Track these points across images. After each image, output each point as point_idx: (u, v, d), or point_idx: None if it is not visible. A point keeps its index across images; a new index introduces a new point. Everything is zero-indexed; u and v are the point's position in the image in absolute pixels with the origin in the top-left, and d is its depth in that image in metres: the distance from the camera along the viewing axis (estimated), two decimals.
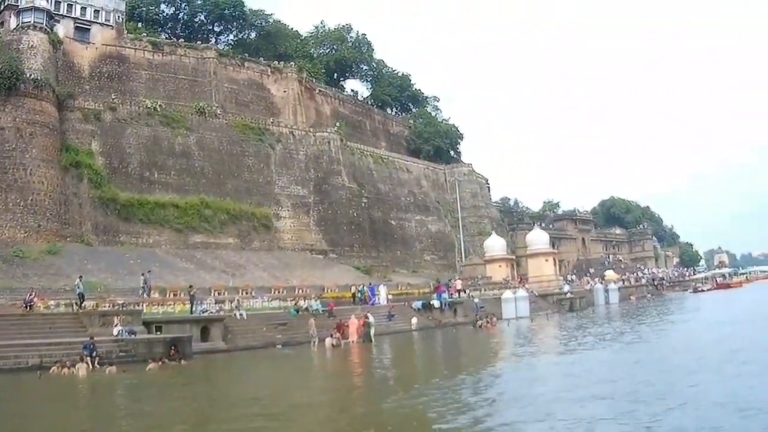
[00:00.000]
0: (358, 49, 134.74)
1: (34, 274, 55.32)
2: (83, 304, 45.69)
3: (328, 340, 44.65)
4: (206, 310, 50.10)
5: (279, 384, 31.73)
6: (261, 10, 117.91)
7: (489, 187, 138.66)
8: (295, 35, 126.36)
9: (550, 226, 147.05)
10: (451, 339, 52.69)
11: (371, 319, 49.55)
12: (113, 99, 79.54)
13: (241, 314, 50.81)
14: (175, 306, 50.66)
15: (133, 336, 39.32)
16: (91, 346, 34.32)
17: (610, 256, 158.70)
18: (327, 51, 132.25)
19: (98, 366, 33.34)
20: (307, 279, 73.97)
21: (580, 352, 35.22)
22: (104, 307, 47.05)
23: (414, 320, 60.04)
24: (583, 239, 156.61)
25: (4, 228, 63.30)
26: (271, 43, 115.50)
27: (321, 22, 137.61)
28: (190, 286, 53.94)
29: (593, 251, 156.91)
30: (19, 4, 78.70)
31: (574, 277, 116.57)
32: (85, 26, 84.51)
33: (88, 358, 33.35)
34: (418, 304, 65.61)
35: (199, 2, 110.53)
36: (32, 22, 76.96)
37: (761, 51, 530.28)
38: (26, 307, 45.14)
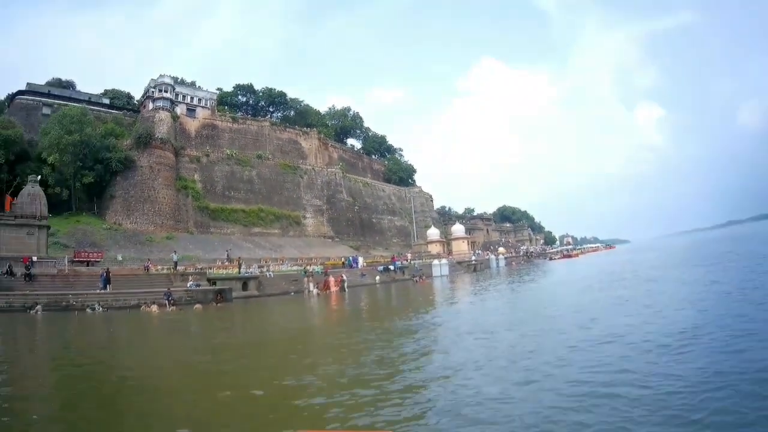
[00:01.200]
0: (354, 121, 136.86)
1: (157, 251, 55.57)
2: (177, 269, 46.30)
3: (314, 290, 44.47)
4: (248, 272, 49.90)
5: (284, 314, 32.23)
6: (297, 98, 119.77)
7: (432, 199, 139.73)
8: (317, 113, 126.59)
9: (468, 222, 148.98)
10: (396, 288, 51.25)
11: (345, 277, 49.53)
12: (207, 149, 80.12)
13: (269, 274, 51.29)
14: (231, 270, 50.11)
15: (198, 287, 39.58)
16: (169, 294, 34.64)
17: (503, 239, 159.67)
18: (336, 122, 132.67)
19: (174, 307, 33.52)
20: (320, 253, 73.65)
21: (480, 294, 34.88)
22: (188, 270, 47.49)
23: (377, 278, 60.22)
24: (486, 230, 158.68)
25: (142, 224, 63.78)
26: (303, 117, 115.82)
27: (333, 105, 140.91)
28: (239, 258, 55.03)
29: (493, 237, 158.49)
30: (153, 95, 79.36)
31: (480, 251, 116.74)
32: (192, 108, 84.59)
33: (166, 301, 33.71)
34: (380, 268, 65.88)
35: (260, 94, 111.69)
36: (161, 106, 77.77)
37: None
38: (145, 270, 45.53)
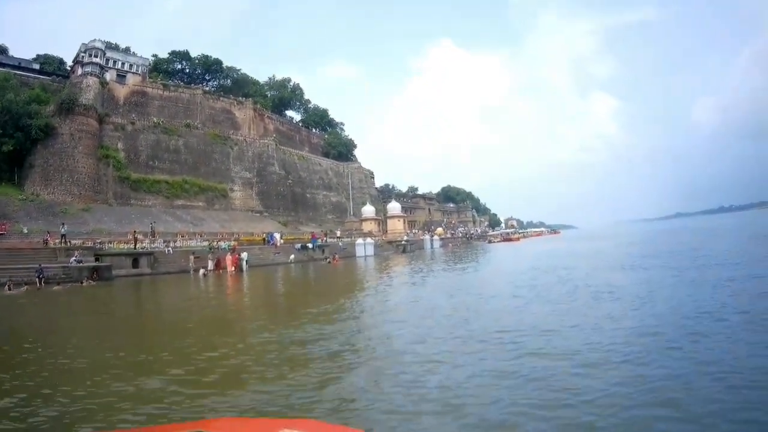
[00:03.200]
0: (294, 93, 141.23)
1: (70, 223, 56.39)
2: (65, 242, 46.33)
3: (202, 271, 44.21)
4: (144, 247, 50.15)
5: (151, 294, 33.10)
6: (233, 67, 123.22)
7: (373, 176, 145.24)
8: (256, 83, 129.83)
9: (409, 201, 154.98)
10: (307, 270, 50.11)
11: (244, 255, 49.73)
12: (133, 117, 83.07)
13: (168, 250, 51.82)
14: (128, 245, 49.92)
15: (79, 263, 39.76)
16: (40, 270, 35.07)
17: (445, 220, 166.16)
18: (275, 93, 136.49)
19: (44, 285, 34.06)
20: (244, 228, 76.75)
21: (387, 283, 32.35)
22: (86, 244, 48.58)
23: (291, 256, 60.69)
24: (429, 209, 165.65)
25: (59, 195, 66.59)
26: (240, 87, 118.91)
27: (273, 75, 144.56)
28: (135, 231, 54.67)
29: (435, 217, 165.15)
30: (83, 60, 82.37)
31: (417, 231, 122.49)
32: (122, 74, 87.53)
33: (37, 279, 34.29)
34: (297, 245, 67.28)
35: (196, 62, 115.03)
36: (90, 71, 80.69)
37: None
38: (44, 243, 46.29)
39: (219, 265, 48.08)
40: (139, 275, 44.16)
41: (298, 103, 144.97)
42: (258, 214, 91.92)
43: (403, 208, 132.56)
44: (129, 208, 72.94)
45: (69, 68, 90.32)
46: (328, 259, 61.59)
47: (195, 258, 48.83)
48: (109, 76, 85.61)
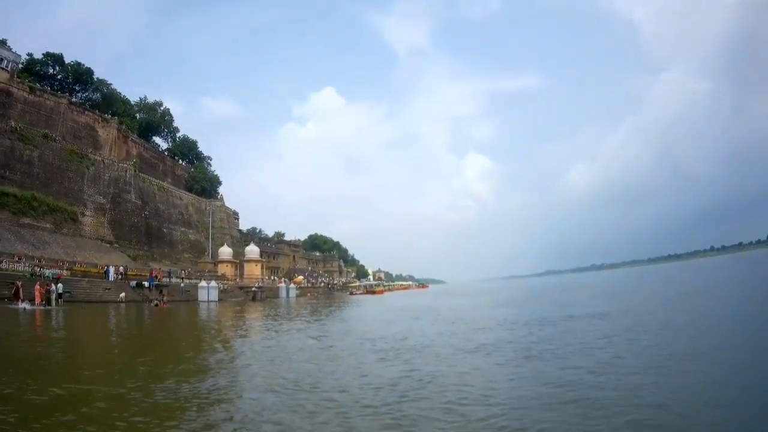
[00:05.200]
0: (163, 118, 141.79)
1: None
2: None
3: None
4: None
5: None
6: (104, 80, 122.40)
7: (238, 216, 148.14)
8: (125, 101, 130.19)
9: (273, 246, 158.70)
10: (131, 311, 49.65)
11: (58, 286, 47.29)
12: None
13: None
14: None
15: None
16: None
17: (310, 268, 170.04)
18: (144, 116, 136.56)
19: None
20: (88, 258, 75.82)
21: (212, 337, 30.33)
22: None
23: (122, 294, 59.07)
24: (293, 256, 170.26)
25: None
26: (109, 103, 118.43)
27: (144, 96, 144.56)
28: None
29: (300, 264, 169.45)
30: None
31: (277, 278, 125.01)
32: None
33: None
34: (133, 283, 66.60)
35: (69, 68, 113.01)
36: None
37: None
38: None
39: (17, 294, 43.61)
40: None
41: (166, 130, 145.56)
42: (108, 245, 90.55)
43: (265, 253, 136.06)
44: None
45: None
46: (155, 302, 58.02)
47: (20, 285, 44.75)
48: None
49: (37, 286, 45.40)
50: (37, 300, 43.54)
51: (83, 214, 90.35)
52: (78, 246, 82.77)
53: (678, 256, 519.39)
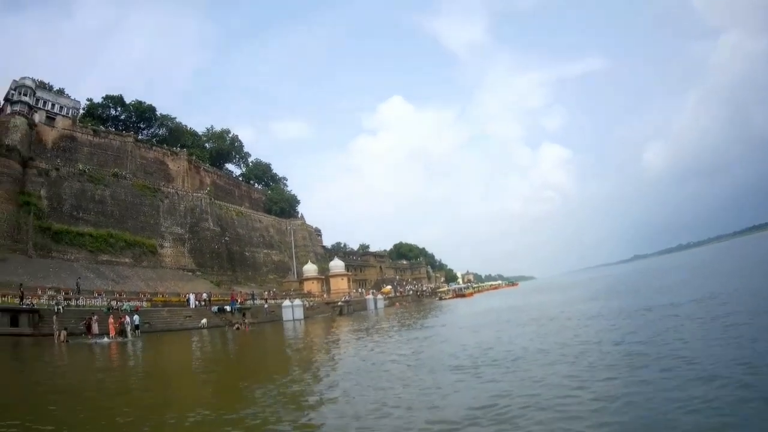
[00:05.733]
0: (232, 145, 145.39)
1: None
2: None
3: (63, 333, 40.53)
4: (27, 304, 47.35)
5: None
6: (168, 115, 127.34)
7: (320, 233, 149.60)
8: (193, 133, 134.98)
9: (359, 259, 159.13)
10: (213, 338, 47.72)
11: (128, 319, 47.04)
12: (58, 162, 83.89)
13: (58, 308, 48.80)
14: (9, 299, 47.53)
15: None
16: None
17: (397, 277, 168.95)
18: (214, 145, 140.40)
19: None
20: (171, 288, 76.99)
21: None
22: None
23: (203, 320, 58.88)
24: (380, 267, 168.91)
25: None
26: (176, 137, 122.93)
27: (211, 126, 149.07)
28: (21, 285, 51.99)
29: (387, 274, 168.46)
30: (12, 98, 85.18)
31: (364, 290, 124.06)
32: (52, 116, 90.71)
33: None
34: (214, 308, 66.24)
35: (130, 108, 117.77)
36: (18, 110, 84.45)
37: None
38: None
39: (90, 329, 45.09)
40: (17, 335, 42.66)
41: (237, 157, 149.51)
42: (190, 273, 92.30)
43: (351, 266, 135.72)
44: (50, 260, 72.42)
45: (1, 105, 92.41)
46: (237, 325, 57.32)
47: (59, 319, 45.27)
48: (38, 117, 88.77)
49: (111, 320, 45.56)
50: (111, 333, 43.87)
51: (162, 246, 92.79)
52: (159, 277, 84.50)
53: (763, 226, 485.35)
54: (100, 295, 60.20)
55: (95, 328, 45.24)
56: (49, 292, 54.69)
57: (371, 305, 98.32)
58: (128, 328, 45.57)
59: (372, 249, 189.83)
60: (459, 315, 59.22)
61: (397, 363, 22.46)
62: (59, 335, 40.71)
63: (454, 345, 27.05)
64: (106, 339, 42.46)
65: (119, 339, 43.26)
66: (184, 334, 51.67)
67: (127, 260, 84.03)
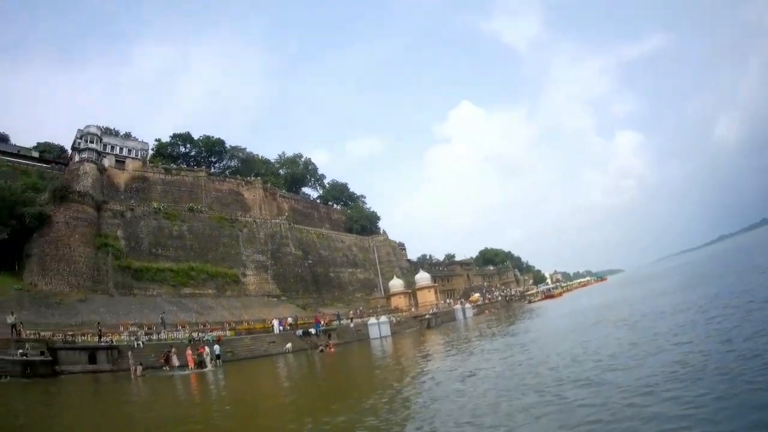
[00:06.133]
0: (306, 168, 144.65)
1: (58, 314, 58.54)
2: (16, 333, 44.62)
3: (139, 368, 40.09)
4: (106, 340, 47.85)
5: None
6: (237, 146, 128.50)
7: (404, 247, 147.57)
8: (265, 161, 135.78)
9: (445, 269, 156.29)
10: (298, 363, 46.23)
11: (207, 350, 45.71)
12: (132, 203, 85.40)
13: (139, 343, 49.17)
14: (89, 338, 48.33)
15: (16, 357, 38.59)
16: None
17: (485, 284, 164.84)
18: (288, 170, 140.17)
19: None
20: (256, 315, 76.12)
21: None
22: (25, 335, 45.51)
23: (288, 345, 57.20)
24: (467, 275, 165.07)
25: (57, 285, 67.25)
26: (249, 167, 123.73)
27: (282, 152, 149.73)
28: (98, 323, 52.74)
29: (475, 282, 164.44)
30: (80, 146, 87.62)
31: (450, 300, 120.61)
32: (121, 159, 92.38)
33: None
34: (299, 332, 64.43)
35: (199, 143, 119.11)
36: (86, 157, 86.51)
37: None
38: (17, 334, 45.10)
39: (168, 361, 44.77)
40: (96, 371, 42.66)
41: (312, 180, 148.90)
42: (275, 299, 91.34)
43: (438, 277, 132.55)
44: (132, 298, 73.21)
45: (69, 155, 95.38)
46: (321, 348, 55.54)
47: (134, 353, 45.24)
48: (108, 162, 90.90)
49: (188, 351, 44.88)
50: (190, 364, 43.19)
51: (245, 275, 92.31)
52: (243, 305, 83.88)
53: None
54: (183, 327, 59.97)
55: (174, 360, 44.68)
56: (132, 328, 55.24)
57: (460, 315, 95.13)
58: (208, 359, 44.42)
59: (457, 258, 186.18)
60: (546, 319, 57.98)
61: (481, 383, 20.45)
62: (135, 370, 40.32)
63: (534, 358, 24.82)
64: (187, 371, 41.87)
65: (198, 370, 42.52)
66: (267, 360, 50.63)
67: (210, 291, 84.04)
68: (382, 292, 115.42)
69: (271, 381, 35.45)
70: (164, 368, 43.75)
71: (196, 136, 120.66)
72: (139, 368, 40.20)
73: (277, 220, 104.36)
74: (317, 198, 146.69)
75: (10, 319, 46.25)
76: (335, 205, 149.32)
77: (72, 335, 49.07)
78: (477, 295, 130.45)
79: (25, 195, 71.29)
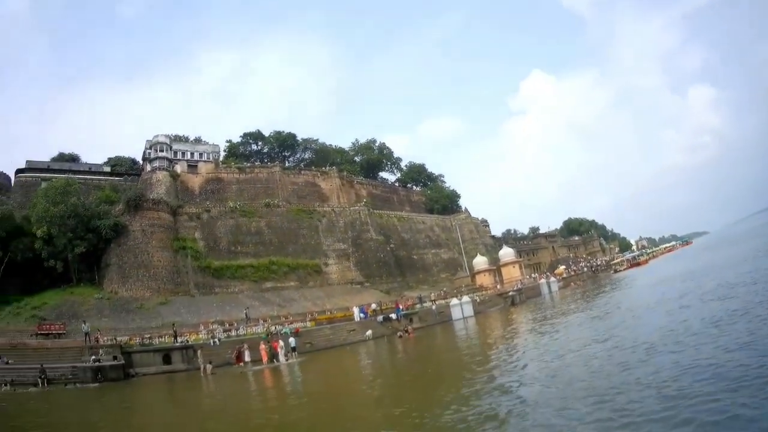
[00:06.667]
0: (381, 153, 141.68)
1: (139, 319, 60.34)
2: (90, 340, 46.36)
3: (209, 367, 40.12)
4: (182, 340, 49.04)
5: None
6: (309, 138, 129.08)
7: (487, 224, 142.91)
8: (340, 150, 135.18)
9: (530, 243, 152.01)
10: (376, 350, 44.69)
11: (281, 343, 43.45)
12: (208, 205, 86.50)
13: (214, 341, 49.23)
14: (166, 339, 49.44)
15: (96, 362, 40.05)
16: (42, 371, 36.45)
17: (571, 255, 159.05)
18: (363, 157, 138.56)
19: (46, 385, 35.71)
20: (338, 304, 75.36)
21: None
22: (102, 341, 47.40)
23: (368, 332, 55.44)
24: (552, 247, 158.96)
25: (137, 291, 68.61)
26: (324, 157, 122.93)
27: (356, 140, 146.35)
28: (173, 324, 54.35)
29: (561, 254, 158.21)
30: (150, 156, 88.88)
31: (536, 275, 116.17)
32: (193, 164, 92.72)
33: (39, 379, 35.87)
34: (380, 318, 62.93)
35: (270, 139, 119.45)
36: (158, 166, 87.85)
37: None
38: (95, 340, 47.15)
39: (239, 358, 44.01)
40: (170, 372, 43.25)
41: (389, 163, 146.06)
42: (358, 286, 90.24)
43: (522, 252, 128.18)
44: (212, 296, 73.85)
45: (141, 166, 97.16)
46: (399, 334, 53.03)
47: (204, 351, 45.42)
48: (180, 167, 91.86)
49: (262, 346, 43.90)
50: (264, 359, 42.05)
51: (326, 264, 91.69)
52: (327, 295, 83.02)
53: None
54: (264, 321, 59.76)
55: (246, 356, 43.56)
56: (213, 326, 55.81)
57: (545, 290, 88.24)
58: (281, 353, 42.70)
59: (542, 230, 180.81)
60: (631, 290, 53.64)
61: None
62: (205, 368, 40.45)
63: (606, 350, 20.46)
64: (260, 366, 40.76)
65: (271, 364, 41.14)
66: (344, 350, 49.08)
67: (292, 284, 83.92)
68: (467, 270, 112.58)
69: (342, 371, 34.76)
70: (237, 365, 43.25)
71: (266, 133, 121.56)
72: (209, 366, 40.05)
73: (356, 207, 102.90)
74: (395, 181, 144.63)
75: (84, 328, 47.99)
76: (414, 187, 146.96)
77: (149, 337, 51.17)
78: (562, 267, 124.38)
79: (99, 208, 73.37)
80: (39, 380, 35.79)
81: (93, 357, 40.80)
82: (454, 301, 70.67)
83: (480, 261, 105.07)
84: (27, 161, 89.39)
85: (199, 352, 44.80)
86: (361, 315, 64.23)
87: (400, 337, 50.99)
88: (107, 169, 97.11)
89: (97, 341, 46.75)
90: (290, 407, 20.45)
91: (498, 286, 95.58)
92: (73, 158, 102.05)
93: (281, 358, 41.99)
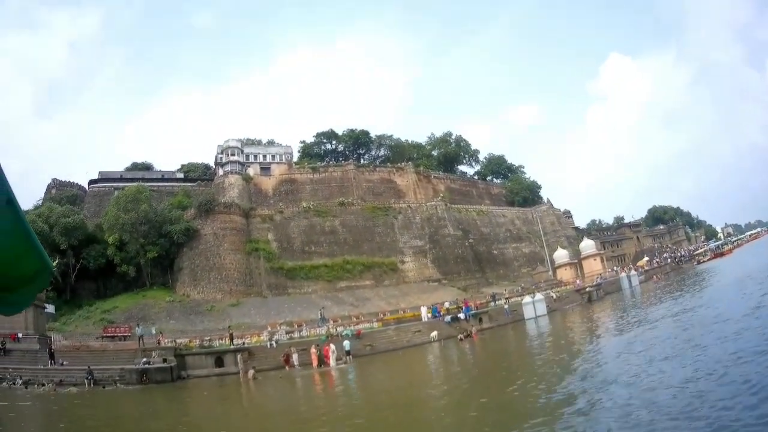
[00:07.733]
0: (458, 146, 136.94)
1: (207, 320, 60.27)
2: (143, 343, 46.12)
3: (251, 372, 37.47)
4: (246, 343, 48.12)
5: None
6: (384, 134, 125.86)
7: (570, 215, 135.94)
8: (416, 145, 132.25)
9: (614, 233, 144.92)
10: (443, 350, 42.30)
11: (332, 347, 40.81)
12: (281, 206, 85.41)
13: (271, 343, 47.47)
14: (224, 341, 48.60)
15: (146, 364, 38.99)
16: (90, 372, 35.67)
17: (656, 245, 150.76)
18: (440, 151, 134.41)
19: (94, 386, 34.82)
20: (413, 302, 70.90)
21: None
22: (164, 343, 47.17)
23: (434, 333, 50.19)
24: (636, 237, 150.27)
25: (209, 293, 68.63)
26: (399, 153, 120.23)
27: (432, 134, 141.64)
28: (229, 327, 53.82)
29: (645, 244, 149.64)
30: (222, 161, 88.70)
31: (617, 268, 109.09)
32: (266, 166, 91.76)
33: (86, 380, 35.04)
34: (448, 318, 57.21)
35: (343, 138, 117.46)
36: (230, 170, 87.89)
37: None
38: (157, 342, 47.14)
39: (287, 360, 41.62)
40: (221, 374, 41.60)
41: (466, 156, 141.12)
42: (435, 283, 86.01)
43: (607, 243, 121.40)
44: (285, 297, 72.57)
45: (213, 171, 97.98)
46: (460, 336, 47.76)
47: (244, 356, 43.13)
48: (252, 170, 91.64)
49: (312, 349, 41.32)
50: (313, 363, 39.79)
51: (403, 262, 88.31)
52: (402, 293, 79.72)
53: None
54: (334, 322, 57.39)
55: (294, 360, 41.90)
56: (281, 328, 55.21)
57: (625, 284, 79.45)
58: (333, 356, 40.06)
59: (626, 220, 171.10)
60: (716, 288, 45.34)
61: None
62: (245, 373, 38.74)
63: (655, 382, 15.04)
64: (309, 370, 39.07)
65: (320, 368, 39.10)
66: (406, 352, 45.19)
67: (367, 282, 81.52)
68: (548, 264, 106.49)
69: (386, 378, 31.89)
70: (285, 368, 40.95)
71: (339, 131, 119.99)
72: (251, 371, 37.76)
73: (433, 203, 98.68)
74: (474, 174, 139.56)
75: (138, 331, 48.44)
76: (494, 180, 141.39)
77: (209, 340, 50.02)
78: (645, 259, 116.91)
79: (171, 214, 74.21)
80: (85, 381, 35.15)
81: (144, 359, 39.79)
82: (527, 299, 64.11)
83: (561, 254, 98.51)
84: (99, 172, 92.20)
85: (239, 356, 42.64)
86: (433, 314, 59.66)
87: (461, 340, 46.37)
88: (180, 175, 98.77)
89: (159, 343, 46.33)
90: (309, 417, 18.82)
91: (578, 281, 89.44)
92: (147, 167, 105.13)
93: (332, 362, 39.38)
